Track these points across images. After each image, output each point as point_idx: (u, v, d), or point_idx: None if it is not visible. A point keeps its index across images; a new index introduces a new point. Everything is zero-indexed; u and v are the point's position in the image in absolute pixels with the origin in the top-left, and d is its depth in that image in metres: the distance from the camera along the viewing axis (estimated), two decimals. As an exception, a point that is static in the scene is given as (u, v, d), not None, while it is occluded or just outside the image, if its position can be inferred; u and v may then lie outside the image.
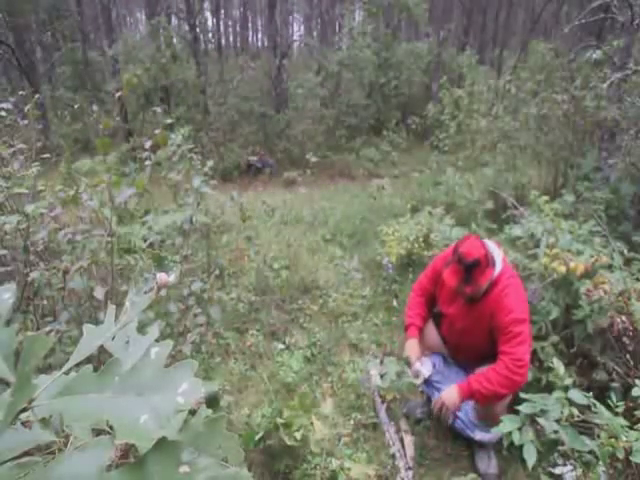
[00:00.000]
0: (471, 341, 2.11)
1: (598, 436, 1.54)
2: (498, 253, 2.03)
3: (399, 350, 3.08)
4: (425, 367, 2.16)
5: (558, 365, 1.96)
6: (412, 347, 2.20)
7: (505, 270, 2.01)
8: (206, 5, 15.93)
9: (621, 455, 1.44)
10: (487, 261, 1.93)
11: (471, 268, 1.88)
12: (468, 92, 6.18)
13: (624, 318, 2.11)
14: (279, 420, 2.02)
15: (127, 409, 0.44)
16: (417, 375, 2.14)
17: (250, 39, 32.48)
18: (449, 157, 6.38)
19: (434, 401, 2.04)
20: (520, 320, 1.89)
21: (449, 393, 1.98)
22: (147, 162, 2.38)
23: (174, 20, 13.57)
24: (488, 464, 2.11)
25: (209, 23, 17.29)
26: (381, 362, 2.50)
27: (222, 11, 22.63)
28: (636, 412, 1.60)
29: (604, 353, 2.26)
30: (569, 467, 2.02)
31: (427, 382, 2.23)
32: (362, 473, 2.01)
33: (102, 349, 0.53)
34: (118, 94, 2.12)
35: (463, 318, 2.10)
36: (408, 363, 2.21)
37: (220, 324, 3.01)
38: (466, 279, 1.91)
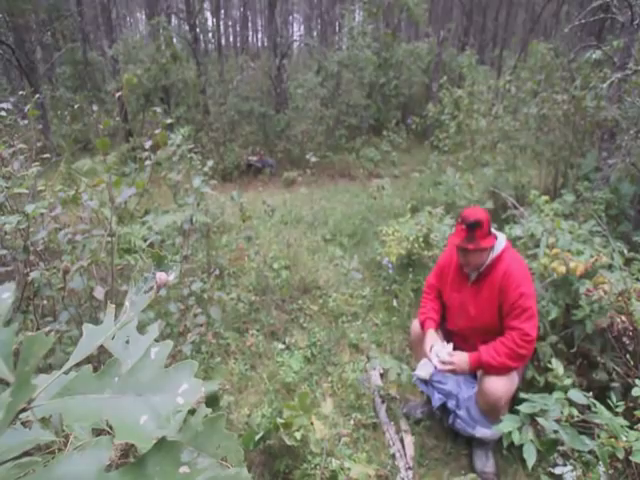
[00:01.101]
0: (481, 324, 2.12)
1: (598, 436, 1.54)
2: (502, 235, 2.13)
3: (399, 350, 3.09)
4: (445, 349, 2.08)
5: (557, 365, 1.96)
6: (431, 336, 2.20)
7: (508, 248, 2.11)
8: (206, 5, 15.90)
9: (621, 455, 1.44)
10: (489, 226, 2.04)
11: (473, 227, 1.99)
12: (468, 92, 6.17)
13: (624, 318, 2.11)
14: (279, 420, 2.02)
15: (127, 409, 0.44)
16: (437, 356, 2.05)
17: (250, 39, 32.45)
18: (449, 157, 6.38)
19: (444, 360, 2.02)
20: (527, 295, 1.96)
21: (461, 359, 2.01)
22: (147, 162, 2.37)
23: (174, 20, 13.57)
24: (485, 463, 2.12)
25: (209, 23, 17.25)
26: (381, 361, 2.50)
27: (222, 11, 22.61)
28: (636, 412, 1.60)
29: (604, 353, 2.26)
30: (569, 467, 2.02)
31: (427, 382, 2.23)
32: (362, 473, 2.01)
33: (102, 349, 0.53)
34: (118, 94, 2.12)
35: (471, 302, 2.14)
36: (418, 356, 2.20)
37: (220, 324, 3.02)
38: (468, 237, 2.01)
